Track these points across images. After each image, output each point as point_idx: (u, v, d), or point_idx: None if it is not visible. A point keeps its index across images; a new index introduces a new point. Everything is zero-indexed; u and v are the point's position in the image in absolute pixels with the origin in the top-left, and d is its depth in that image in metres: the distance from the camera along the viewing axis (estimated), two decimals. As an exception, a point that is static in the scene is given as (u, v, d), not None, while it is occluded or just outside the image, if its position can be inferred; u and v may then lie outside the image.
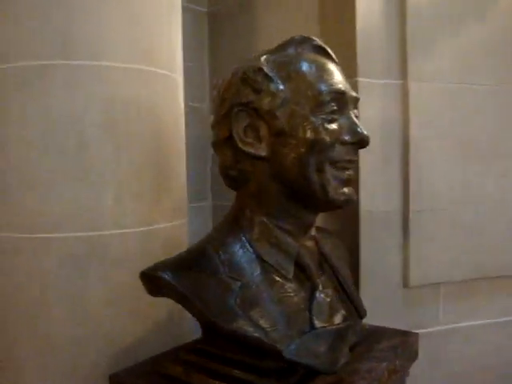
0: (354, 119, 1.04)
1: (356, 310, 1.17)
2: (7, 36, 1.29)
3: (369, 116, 1.65)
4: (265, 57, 1.05)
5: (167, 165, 1.47)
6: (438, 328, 1.75)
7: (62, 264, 1.27)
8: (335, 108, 1.02)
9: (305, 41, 1.07)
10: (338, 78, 1.05)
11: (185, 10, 2.07)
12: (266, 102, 1.01)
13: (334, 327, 1.02)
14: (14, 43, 1.28)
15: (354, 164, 1.07)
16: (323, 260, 1.17)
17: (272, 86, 1.01)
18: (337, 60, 1.12)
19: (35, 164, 1.28)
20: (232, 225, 1.08)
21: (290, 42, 1.07)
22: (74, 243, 1.29)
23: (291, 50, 1.06)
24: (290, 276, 1.04)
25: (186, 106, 1.74)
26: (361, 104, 1.59)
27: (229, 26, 2.10)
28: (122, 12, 1.33)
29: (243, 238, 1.04)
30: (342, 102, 1.03)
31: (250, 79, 1.03)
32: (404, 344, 1.26)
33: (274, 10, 1.98)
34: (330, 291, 1.09)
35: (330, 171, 1.02)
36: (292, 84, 1.02)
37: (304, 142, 0.99)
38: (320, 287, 1.07)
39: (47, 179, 1.28)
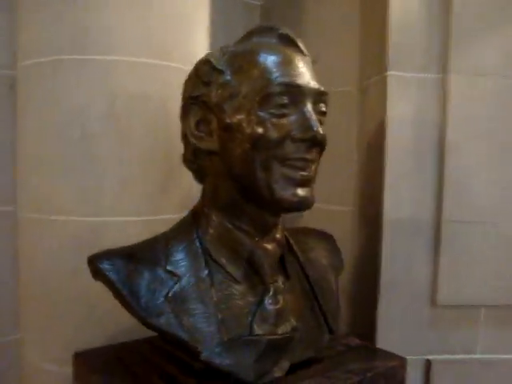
0: (309, 114, 0.94)
1: (325, 323, 1.08)
2: (30, 35, 1.41)
3: (400, 113, 1.50)
4: (223, 48, 1.01)
5: (177, 157, 1.49)
6: (471, 356, 1.53)
7: (62, 244, 1.36)
8: (286, 101, 0.93)
9: (269, 30, 1.00)
10: (294, 68, 0.96)
11: (238, 3, 2.09)
12: (214, 95, 0.97)
13: (273, 337, 0.95)
14: (34, 41, 1.40)
15: (312, 163, 0.98)
16: (295, 264, 1.10)
17: (221, 78, 0.97)
18: (304, 50, 1.02)
19: (48, 152, 1.39)
20: (190, 220, 1.06)
21: (254, 32, 1.01)
22: (77, 226, 1.37)
23: (254, 40, 1.00)
24: (239, 278, 1.00)
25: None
26: (391, 100, 1.48)
27: (279, 18, 2.05)
28: (136, 7, 1.37)
29: (195, 235, 1.02)
30: (296, 95, 0.94)
31: (199, 71, 1.00)
32: (382, 369, 1.11)
33: (322, 1, 1.89)
34: (281, 298, 1.01)
35: (277, 169, 0.94)
36: (242, 76, 0.96)
37: (249, 137, 0.93)
38: (271, 292, 1.00)
39: (57, 167, 1.38)
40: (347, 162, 1.79)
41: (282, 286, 1.04)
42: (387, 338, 1.50)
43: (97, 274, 0.95)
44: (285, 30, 1.01)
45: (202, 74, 0.99)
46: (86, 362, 1.11)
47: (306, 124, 0.93)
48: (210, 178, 1.05)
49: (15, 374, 1.52)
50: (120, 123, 1.38)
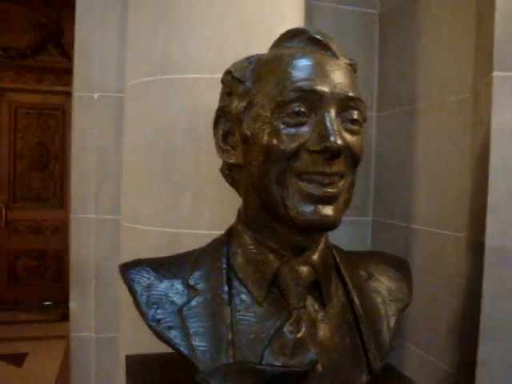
0: (328, 123, 0.84)
1: (366, 362, 0.94)
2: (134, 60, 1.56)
3: (507, 121, 1.25)
4: (249, 57, 0.96)
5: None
6: None
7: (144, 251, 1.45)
8: (302, 109, 0.85)
9: (299, 33, 0.93)
10: (316, 73, 0.86)
11: (352, 13, 2.00)
12: (234, 106, 0.93)
13: (280, 369, 0.85)
14: (129, 65, 1.53)
15: (338, 177, 0.86)
16: (340, 292, 0.99)
17: (241, 88, 0.92)
18: (338, 53, 0.92)
19: (136, 165, 1.50)
20: (223, 237, 1.03)
21: (284, 36, 0.95)
22: (156, 236, 1.44)
23: (283, 45, 0.94)
24: (261, 300, 0.92)
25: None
26: (496, 106, 1.26)
27: (395, 25, 1.90)
28: (212, 26, 1.41)
29: (225, 252, 0.98)
30: (314, 101, 0.85)
31: (223, 82, 0.97)
32: None
33: (437, 4, 1.70)
34: (305, 326, 0.91)
35: (294, 184, 0.85)
36: (261, 84, 0.90)
37: (262, 148, 0.87)
38: (292, 319, 0.91)
39: (143, 179, 1.48)
40: (460, 179, 1.56)
41: (313, 314, 0.94)
42: None
43: (124, 281, 0.98)
44: (315, 32, 0.92)
45: (225, 85, 0.96)
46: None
47: (322, 133, 0.83)
48: (241, 191, 1.01)
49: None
50: (200, 138, 1.42)
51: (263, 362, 0.86)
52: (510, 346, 1.26)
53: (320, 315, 0.94)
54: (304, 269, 0.94)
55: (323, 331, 0.93)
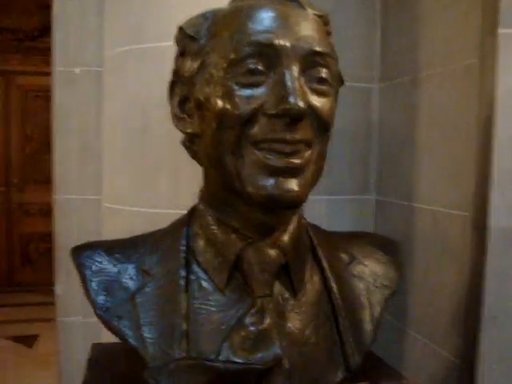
0: (288, 82, 0.72)
1: (343, 357, 0.83)
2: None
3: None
4: (206, 13, 0.84)
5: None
6: None
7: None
8: (259, 67, 0.73)
9: None
10: (276, 26, 0.74)
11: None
12: (187, 68, 0.82)
13: (232, 366, 0.74)
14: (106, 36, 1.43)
15: (303, 146, 0.75)
16: (316, 277, 0.88)
17: (193, 47, 0.81)
18: (305, 5, 0.79)
19: (114, 142, 1.42)
20: (185, 217, 0.92)
21: None
22: (133, 217, 1.36)
23: None
24: (222, 285, 0.82)
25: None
26: (503, 69, 1.12)
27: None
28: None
29: (184, 231, 0.88)
30: (271, 57, 0.73)
31: (176, 41, 0.85)
32: None
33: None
34: (271, 316, 0.80)
35: (250, 154, 0.75)
36: (215, 41, 0.78)
37: (214, 114, 0.76)
38: (255, 308, 0.80)
39: (120, 157, 1.40)
40: (465, 155, 1.42)
41: (281, 303, 0.83)
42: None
43: (74, 266, 0.89)
44: None
45: (178, 44, 0.85)
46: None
47: (281, 94, 0.72)
48: (203, 167, 0.90)
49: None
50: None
51: (220, 357, 0.76)
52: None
53: (290, 304, 0.84)
54: (271, 252, 0.83)
55: (293, 322, 0.83)
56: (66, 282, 1.69)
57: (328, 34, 0.85)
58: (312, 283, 0.87)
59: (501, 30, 1.10)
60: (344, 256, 0.94)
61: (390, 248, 1.01)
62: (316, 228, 0.97)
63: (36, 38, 5.17)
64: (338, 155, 1.83)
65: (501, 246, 1.13)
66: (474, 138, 1.36)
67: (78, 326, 1.72)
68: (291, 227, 0.86)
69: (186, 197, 1.28)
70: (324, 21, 0.83)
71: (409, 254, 1.65)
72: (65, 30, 1.70)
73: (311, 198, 1.91)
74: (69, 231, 1.69)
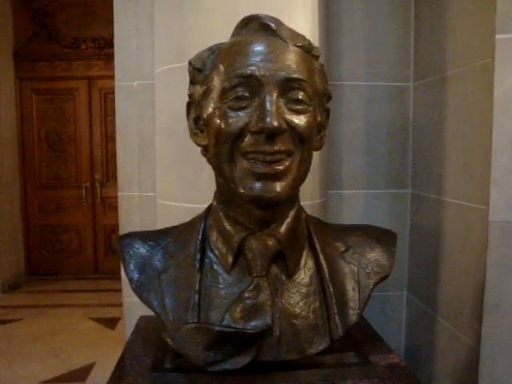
0: (266, 105, 0.89)
1: (329, 330, 0.99)
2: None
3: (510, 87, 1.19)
4: (212, 47, 1.03)
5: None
6: None
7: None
8: (245, 94, 0.91)
9: (251, 20, 0.98)
10: (255, 58, 0.92)
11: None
12: (197, 93, 1.01)
13: (225, 329, 0.93)
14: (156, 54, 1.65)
15: (284, 156, 0.92)
16: (311, 263, 1.05)
17: (199, 77, 1.00)
18: (285, 37, 0.96)
19: (163, 147, 1.65)
20: (203, 212, 1.13)
21: (239, 24, 1.00)
22: (180, 211, 1.57)
23: (239, 33, 1.00)
24: (228, 267, 1.02)
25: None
26: (499, 70, 1.20)
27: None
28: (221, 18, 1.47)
29: (202, 224, 1.08)
30: (253, 85, 0.91)
31: (188, 72, 1.05)
32: None
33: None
34: (266, 293, 0.98)
35: (240, 163, 0.93)
36: (216, 71, 0.97)
37: (214, 131, 0.96)
38: (252, 286, 0.99)
39: (169, 160, 1.62)
40: (484, 150, 1.49)
41: (277, 282, 1.01)
42: (492, 376, 1.22)
43: (118, 251, 1.12)
44: (266, 19, 0.97)
45: (189, 74, 1.05)
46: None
47: (260, 116, 0.89)
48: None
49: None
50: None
51: (223, 324, 0.95)
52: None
53: (285, 284, 1.01)
54: (269, 241, 1.01)
55: (286, 299, 1.00)
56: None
57: (314, 57, 1.01)
58: (307, 267, 1.04)
59: (498, 36, 1.18)
60: (340, 245, 1.09)
61: (385, 239, 1.14)
62: (317, 220, 1.13)
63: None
64: (376, 151, 1.95)
65: (500, 238, 1.21)
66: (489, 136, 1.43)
67: (139, 305, 1.97)
68: (288, 220, 1.04)
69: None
70: (306, 49, 0.99)
71: (439, 244, 1.74)
72: (124, 46, 1.94)
73: (350, 192, 2.04)
74: (131, 224, 1.94)
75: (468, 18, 1.56)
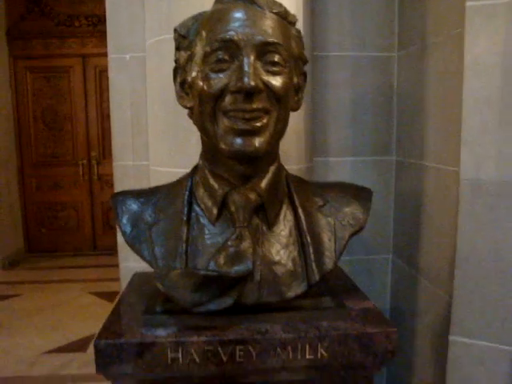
0: (244, 67, 0.97)
1: (306, 275, 1.08)
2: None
3: (482, 51, 1.25)
4: (196, 16, 1.10)
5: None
6: None
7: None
8: (225, 57, 0.99)
9: None
10: (237, 24, 0.99)
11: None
12: (182, 58, 1.09)
13: (209, 273, 1.02)
14: (147, 27, 1.71)
15: (261, 113, 0.99)
16: (290, 216, 1.13)
17: (185, 43, 1.08)
18: (262, 4, 1.03)
19: (155, 116, 1.71)
20: (191, 170, 1.21)
21: None
22: (171, 176, 1.64)
23: (221, 1, 1.07)
24: (213, 219, 1.10)
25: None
26: (469, 35, 1.25)
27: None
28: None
29: (189, 182, 1.17)
30: (232, 49, 0.98)
31: (174, 39, 1.12)
32: (355, 333, 1.04)
33: None
34: (247, 241, 1.06)
35: (221, 121, 1.01)
36: (198, 37, 1.05)
37: (197, 92, 1.03)
38: (235, 235, 1.07)
39: (160, 128, 1.68)
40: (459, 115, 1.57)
41: (259, 232, 1.10)
42: (463, 323, 1.32)
43: (112, 206, 1.20)
44: None
45: (174, 40, 1.12)
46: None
47: (239, 76, 0.97)
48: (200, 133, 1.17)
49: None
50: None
51: (208, 269, 1.04)
52: (483, 273, 1.31)
53: (266, 234, 1.10)
54: (250, 194, 1.10)
55: (266, 247, 1.09)
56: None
57: (291, 23, 1.08)
58: (286, 220, 1.13)
59: (468, 3, 1.24)
60: (318, 200, 1.17)
61: (361, 194, 1.22)
62: (297, 178, 1.21)
63: (108, 22, 5.63)
64: (362, 119, 2.02)
65: (470, 196, 1.30)
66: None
67: (134, 269, 2.07)
68: (269, 175, 1.12)
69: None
70: (282, 15, 1.06)
71: (421, 208, 1.82)
72: (116, 20, 1.99)
73: (336, 159, 2.11)
74: (126, 192, 2.02)
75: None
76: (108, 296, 4.32)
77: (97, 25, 5.72)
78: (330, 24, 1.95)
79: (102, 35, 5.47)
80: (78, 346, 3.34)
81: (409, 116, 1.94)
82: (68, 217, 6.11)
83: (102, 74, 5.76)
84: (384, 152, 2.09)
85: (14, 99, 5.80)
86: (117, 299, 1.32)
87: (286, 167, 1.23)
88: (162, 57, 1.65)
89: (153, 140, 1.79)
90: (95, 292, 4.52)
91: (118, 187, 2.08)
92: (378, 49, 2.02)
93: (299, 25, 1.56)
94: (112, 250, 5.71)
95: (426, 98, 1.78)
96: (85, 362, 3.09)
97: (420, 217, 1.84)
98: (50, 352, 3.26)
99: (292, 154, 1.62)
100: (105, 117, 5.84)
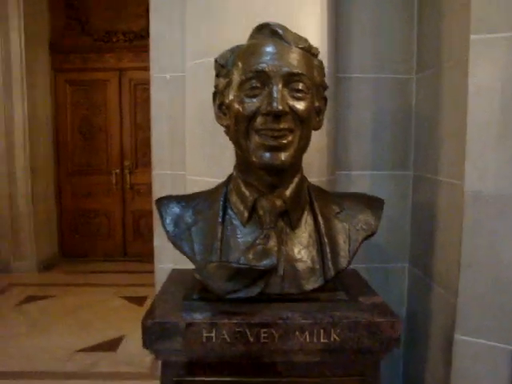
0: (273, 93, 1.16)
1: (323, 271, 1.25)
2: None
3: (484, 78, 1.40)
4: (233, 48, 1.30)
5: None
6: None
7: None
8: (257, 85, 1.18)
9: (263, 27, 1.25)
10: (267, 57, 1.18)
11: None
12: (221, 84, 1.29)
13: (242, 266, 1.20)
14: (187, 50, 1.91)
15: (287, 132, 1.18)
16: (310, 220, 1.30)
17: (223, 71, 1.28)
18: (290, 40, 1.22)
19: (193, 132, 1.92)
20: (226, 179, 1.40)
21: (255, 29, 1.28)
22: (206, 184, 1.83)
23: (254, 36, 1.27)
24: (244, 222, 1.29)
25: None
26: (473, 63, 1.41)
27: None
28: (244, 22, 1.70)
29: (224, 189, 1.36)
30: (264, 78, 1.18)
31: (214, 67, 1.33)
32: (365, 321, 1.21)
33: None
34: (273, 241, 1.24)
35: (253, 138, 1.20)
36: (235, 67, 1.25)
37: (234, 113, 1.23)
38: (263, 235, 1.25)
39: (198, 142, 1.88)
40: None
41: (283, 234, 1.28)
42: (466, 323, 1.45)
43: (157, 209, 1.40)
44: (275, 26, 1.24)
45: (214, 69, 1.33)
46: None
47: (269, 101, 1.17)
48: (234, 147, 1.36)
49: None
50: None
51: (239, 263, 1.22)
52: (486, 275, 1.44)
53: (289, 235, 1.28)
54: (276, 201, 1.29)
55: (289, 247, 1.27)
56: (162, 237, 2.23)
57: (313, 55, 1.28)
58: (307, 224, 1.31)
59: (472, 37, 1.40)
60: (335, 207, 1.35)
61: (374, 203, 1.39)
62: (318, 188, 1.39)
63: (144, 38, 5.91)
64: (382, 137, 2.18)
65: (472, 206, 1.44)
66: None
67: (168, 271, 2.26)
68: (292, 185, 1.31)
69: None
70: (307, 50, 1.26)
71: (435, 220, 1.96)
72: (158, 42, 2.22)
73: (358, 173, 2.26)
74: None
75: (457, 19, 1.76)
76: (137, 300, 4.46)
77: (133, 40, 5.95)
78: (352, 48, 2.12)
79: (138, 50, 5.82)
80: (109, 346, 3.46)
81: (425, 134, 2.08)
82: (100, 224, 6.32)
83: (137, 87, 6.00)
84: (402, 167, 2.23)
85: (54, 110, 6.09)
86: (155, 293, 1.49)
87: (309, 179, 1.41)
88: (200, 79, 1.85)
89: (190, 153, 1.98)
90: (125, 296, 4.65)
91: (157, 193, 2.28)
92: (397, 71, 2.18)
93: (324, 50, 1.75)
94: (141, 257, 5.93)
95: (441, 117, 1.92)
96: (115, 361, 3.20)
97: (434, 227, 1.97)
98: (82, 350, 3.41)
99: (314, 167, 1.79)
100: (138, 128, 6.07)
